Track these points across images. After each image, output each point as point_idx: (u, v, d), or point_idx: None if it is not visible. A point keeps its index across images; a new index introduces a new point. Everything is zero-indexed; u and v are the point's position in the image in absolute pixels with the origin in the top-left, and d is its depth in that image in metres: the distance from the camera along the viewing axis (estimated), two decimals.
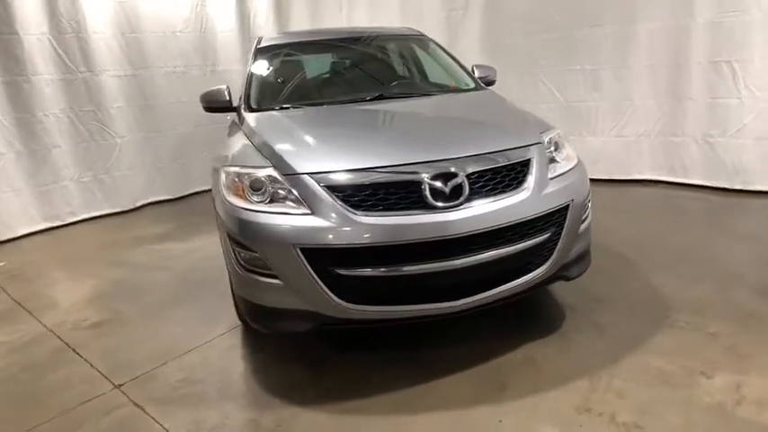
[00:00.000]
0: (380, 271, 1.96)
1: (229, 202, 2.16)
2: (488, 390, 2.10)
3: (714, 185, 4.41)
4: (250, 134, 2.53)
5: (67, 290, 3.61)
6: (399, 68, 3.54)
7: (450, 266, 1.97)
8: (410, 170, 2.02)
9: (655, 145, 4.68)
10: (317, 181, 2.03)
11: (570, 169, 2.30)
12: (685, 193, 4.51)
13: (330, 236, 1.94)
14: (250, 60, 3.36)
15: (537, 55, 5.13)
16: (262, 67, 3.33)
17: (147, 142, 5.62)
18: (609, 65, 4.75)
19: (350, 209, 1.96)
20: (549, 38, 5.02)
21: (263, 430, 1.99)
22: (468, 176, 2.02)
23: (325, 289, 1.97)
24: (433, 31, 4.66)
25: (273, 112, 2.80)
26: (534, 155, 2.22)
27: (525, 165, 2.18)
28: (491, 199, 2.05)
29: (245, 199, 2.14)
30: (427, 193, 1.98)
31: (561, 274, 2.27)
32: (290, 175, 2.09)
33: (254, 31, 6.45)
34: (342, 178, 2.03)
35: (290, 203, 2.04)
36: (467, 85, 3.20)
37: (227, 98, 3.09)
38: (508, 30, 5.24)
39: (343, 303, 1.99)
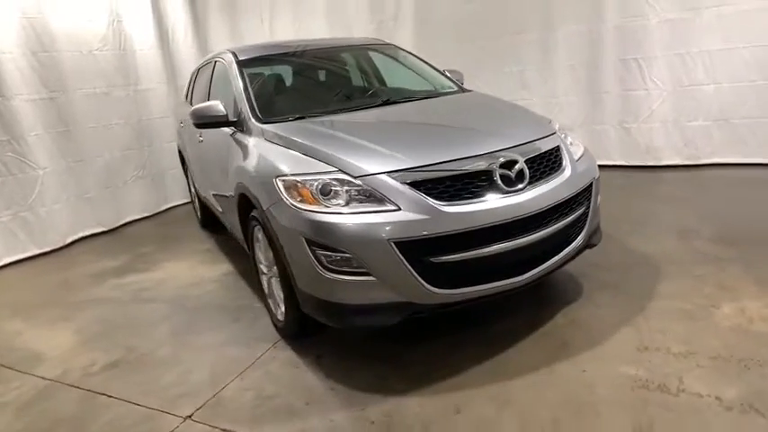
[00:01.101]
0: (465, 255, 2.15)
1: (303, 209, 2.20)
2: (555, 350, 2.40)
3: (632, 164, 5.23)
4: (287, 143, 2.56)
5: (43, 338, 3.23)
6: (387, 75, 3.73)
7: (519, 244, 2.24)
8: (479, 161, 2.25)
9: (580, 134, 5.38)
10: (396, 179, 2.17)
11: (584, 152, 2.70)
12: (610, 172, 5.25)
13: (422, 228, 2.09)
14: (236, 74, 3.32)
15: (469, 60, 5.60)
16: (255, 80, 3.32)
17: (71, 172, 5.12)
18: (534, 66, 5.39)
19: (434, 201, 2.14)
20: (479, 44, 5.54)
21: (377, 424, 2.07)
22: (525, 162, 2.31)
23: (419, 278, 2.11)
24: None
25: (300, 122, 2.85)
26: (559, 142, 2.58)
27: (557, 150, 2.53)
28: (543, 181, 2.35)
29: (319, 204, 2.20)
30: (498, 179, 2.23)
31: (589, 242, 2.64)
32: (365, 176, 2.20)
33: (174, 47, 6.19)
34: (421, 174, 2.19)
35: (374, 202, 2.15)
36: (451, 87, 3.50)
37: (224, 112, 3.05)
38: (440, 37, 5.68)
39: (434, 290, 2.15)
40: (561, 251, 2.44)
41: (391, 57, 3.87)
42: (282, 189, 2.31)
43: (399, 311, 2.20)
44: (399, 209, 2.12)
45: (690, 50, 4.73)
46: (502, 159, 2.27)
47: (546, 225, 2.31)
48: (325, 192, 2.22)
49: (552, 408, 2.03)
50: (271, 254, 2.70)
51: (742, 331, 2.35)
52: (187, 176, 5.36)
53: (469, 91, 3.45)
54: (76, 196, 5.16)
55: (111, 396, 2.50)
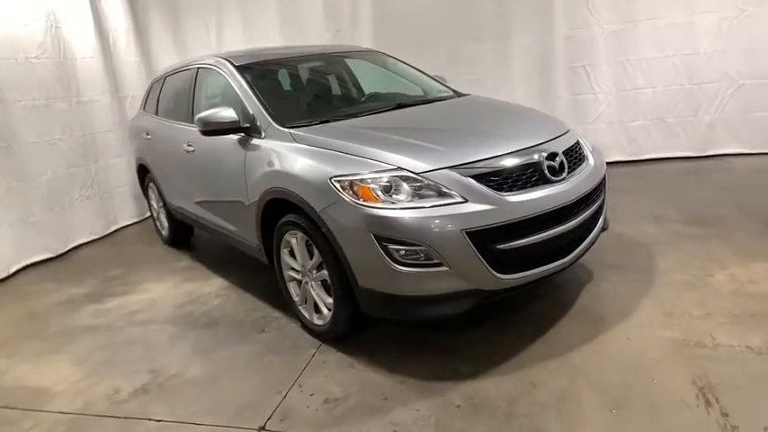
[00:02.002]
0: (525, 241, 2.34)
1: (370, 207, 2.27)
2: (594, 323, 2.66)
3: None
4: (327, 145, 2.60)
5: (36, 374, 2.94)
6: (384, 81, 3.86)
7: (566, 228, 2.47)
8: (527, 154, 2.46)
9: None
10: (459, 173, 2.32)
11: (593, 147, 3.02)
12: None
13: (490, 217, 2.25)
14: (239, 80, 3.28)
15: (428, 69, 5.88)
16: (263, 86, 3.30)
17: (11, 194, 4.65)
18: (492, 74, 5.79)
19: (496, 192, 2.31)
20: (437, 53, 5.84)
21: (463, 407, 2.18)
22: (562, 155, 2.57)
23: (487, 265, 2.27)
24: None
25: (329, 125, 2.89)
26: (577, 137, 2.88)
27: (578, 144, 2.82)
28: (577, 171, 2.62)
29: (383, 201, 2.29)
30: (546, 170, 2.46)
31: (604, 226, 2.96)
32: (428, 172, 2.32)
33: (116, 56, 5.84)
34: (479, 168, 2.36)
35: (441, 196, 2.27)
36: (447, 91, 3.71)
37: (237, 119, 3.02)
38: (398, 46, 5.83)
39: (500, 275, 2.31)
40: (591, 233, 2.72)
41: (381, 64, 4.01)
42: (341, 189, 2.36)
43: (468, 299, 2.33)
44: (466, 201, 2.26)
45: (629, 58, 5.37)
46: (545, 153, 2.50)
47: (582, 210, 2.58)
48: (388, 189, 2.31)
49: (617, 372, 2.27)
50: (309, 258, 2.73)
51: (741, 293, 2.77)
52: (147, 192, 5.08)
53: (467, 95, 3.68)
54: (20, 220, 4.69)
55: (160, 420, 2.37)
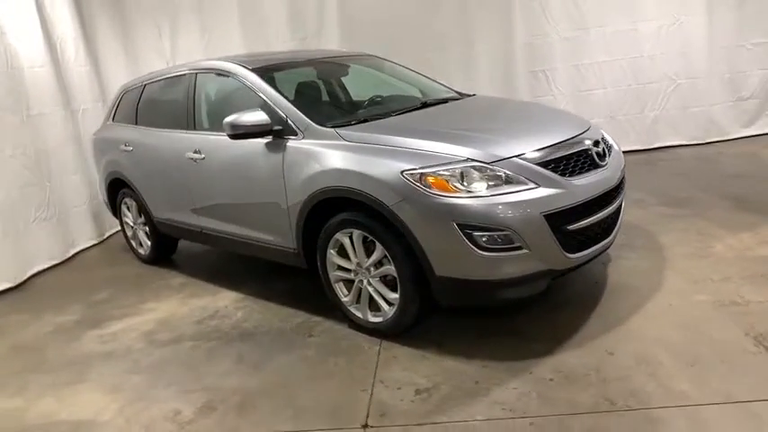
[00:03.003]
0: (586, 222, 2.53)
1: (451, 197, 2.34)
2: (632, 296, 2.90)
3: None
4: (383, 142, 2.63)
5: (70, 407, 2.65)
6: (398, 83, 3.92)
7: (611, 209, 2.70)
8: (576, 141, 2.66)
9: None
10: (527, 161, 2.46)
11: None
12: None
13: (562, 200, 2.40)
14: (261, 84, 3.21)
15: None
16: (286, 88, 3.25)
17: None
18: (458, 79, 6.03)
19: (561, 176, 2.48)
20: (404, 59, 5.97)
21: (556, 380, 2.29)
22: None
23: (559, 245, 2.43)
24: None
25: (374, 123, 2.92)
26: (599, 128, 3.14)
27: (603, 134, 3.08)
28: (611, 158, 2.86)
29: (460, 190, 2.37)
30: (595, 156, 2.67)
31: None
32: (499, 161, 2.44)
33: (65, 65, 5.37)
34: (545, 155, 2.51)
35: (515, 183, 2.39)
36: (451, 92, 3.86)
37: (270, 122, 2.97)
38: (366, 52, 6.00)
39: (568, 255, 2.47)
40: (620, 216, 2.98)
41: (381, 68, 4.07)
42: (415, 182, 2.41)
43: (543, 279, 2.47)
44: (539, 186, 2.41)
45: (583, 62, 5.88)
46: (589, 141, 2.72)
47: (619, 194, 2.83)
48: (462, 179, 2.40)
49: (677, 333, 2.51)
50: (366, 256, 2.73)
51: (744, 258, 3.16)
52: (119, 209, 4.72)
53: (474, 95, 3.84)
54: None
55: None
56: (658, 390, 2.15)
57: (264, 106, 3.09)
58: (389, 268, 2.65)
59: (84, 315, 3.75)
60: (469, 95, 3.77)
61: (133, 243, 4.72)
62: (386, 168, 2.52)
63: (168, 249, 4.57)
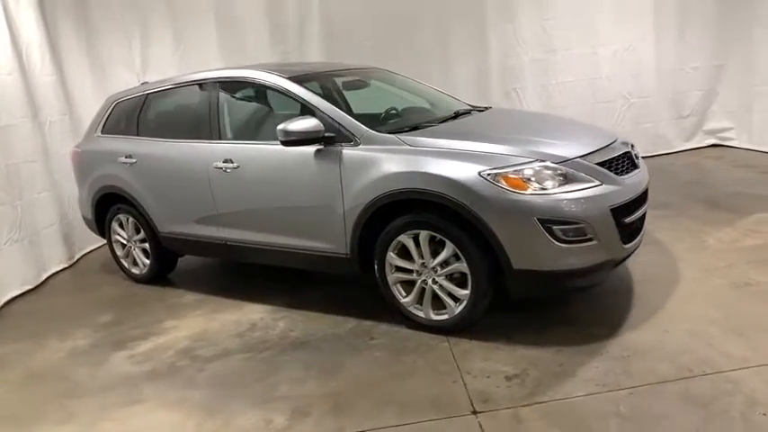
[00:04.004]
0: (634, 215, 2.86)
1: (531, 194, 2.57)
2: (657, 284, 3.27)
3: None
4: (451, 146, 2.81)
5: (140, 429, 2.54)
6: (421, 94, 4.13)
7: (646, 206, 3.08)
8: (616, 146, 3.01)
9: None
10: (588, 161, 2.76)
11: None
12: None
13: (621, 195, 2.71)
14: (305, 92, 3.30)
15: None
16: (328, 96, 3.36)
17: None
18: None
19: (617, 175, 2.80)
20: None
21: (630, 356, 2.56)
22: None
23: (619, 236, 2.74)
24: None
25: (430, 128, 3.12)
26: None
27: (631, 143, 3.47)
28: (640, 161, 3.24)
29: (536, 188, 2.61)
30: (634, 158, 3.03)
31: None
32: (565, 161, 2.71)
33: (31, 73, 5.02)
34: (601, 156, 2.82)
35: (581, 181, 2.66)
36: (463, 104, 4.15)
37: (322, 128, 3.07)
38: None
39: (624, 245, 2.79)
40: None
41: (392, 81, 4.27)
42: (493, 182, 2.63)
43: (606, 268, 2.76)
44: (602, 183, 2.71)
45: (550, 82, 6.45)
46: (625, 145, 3.09)
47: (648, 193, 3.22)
48: (535, 178, 2.65)
49: (714, 309, 2.89)
50: (436, 254, 2.87)
51: (736, 249, 3.68)
52: (108, 227, 4.47)
53: (490, 107, 4.13)
54: None
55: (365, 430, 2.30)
56: (722, 357, 2.48)
57: (313, 114, 3.17)
58: (459, 266, 2.82)
59: (97, 338, 3.53)
60: (487, 107, 4.06)
61: (125, 262, 4.48)
62: (462, 170, 2.71)
63: (169, 267, 4.40)
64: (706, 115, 6.67)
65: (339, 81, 3.88)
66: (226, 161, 3.50)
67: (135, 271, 4.43)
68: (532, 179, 2.63)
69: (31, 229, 4.71)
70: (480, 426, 2.24)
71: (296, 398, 2.60)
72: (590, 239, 2.62)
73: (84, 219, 4.73)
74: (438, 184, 2.74)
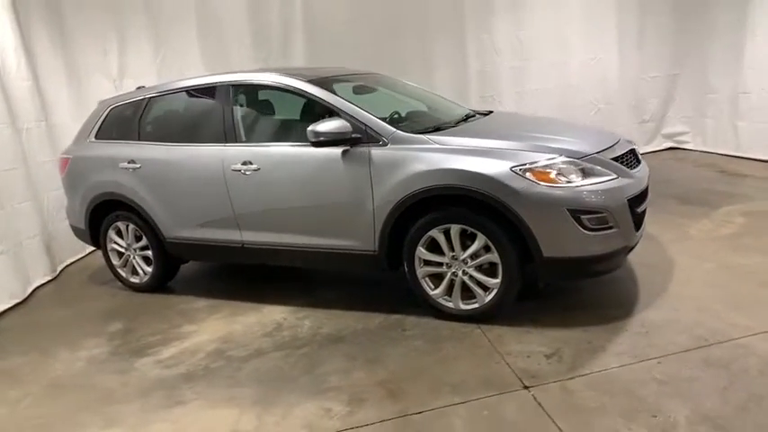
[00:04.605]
0: (643, 206, 3.21)
1: (560, 187, 2.85)
2: (657, 270, 3.65)
3: None
4: (480, 145, 3.05)
5: (193, 427, 2.59)
6: (421, 98, 4.35)
7: (649, 198, 3.45)
8: (622, 144, 3.36)
9: None
10: (603, 156, 3.08)
11: None
12: None
13: (635, 187, 3.04)
14: (325, 94, 3.46)
15: None
16: (353, 98, 3.54)
17: None
18: None
19: (629, 169, 3.14)
20: None
21: (650, 331, 2.87)
22: None
23: (633, 225, 3.07)
24: None
25: (454, 128, 3.37)
26: None
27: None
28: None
29: (562, 181, 2.90)
30: (638, 155, 3.39)
31: None
32: (585, 157, 3.01)
33: (6, 76, 4.87)
34: (613, 152, 3.15)
35: (600, 174, 2.97)
36: (463, 107, 4.43)
37: (351, 129, 3.25)
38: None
39: (635, 233, 3.13)
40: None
41: (394, 86, 4.50)
42: (525, 176, 2.89)
43: (623, 254, 3.08)
44: (618, 176, 3.03)
45: (525, 89, 6.90)
46: (628, 143, 3.45)
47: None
48: (562, 172, 2.94)
49: (712, 289, 3.27)
50: (465, 247, 3.10)
51: (716, 237, 4.14)
52: (102, 236, 4.40)
53: (492, 111, 4.41)
54: None
55: (420, 412, 2.47)
56: (729, 326, 2.85)
57: (339, 116, 3.33)
58: (490, 257, 3.06)
59: (113, 347, 3.51)
60: (490, 111, 4.34)
61: (122, 272, 4.43)
62: (494, 166, 2.95)
63: (171, 274, 4.39)
64: (664, 120, 7.32)
65: (349, 86, 4.06)
66: (245, 163, 3.59)
67: (134, 280, 4.38)
68: (559, 173, 2.92)
69: (14, 240, 4.56)
70: (535, 398, 2.46)
71: (348, 387, 2.73)
72: (611, 227, 2.93)
73: (74, 228, 4.63)
74: (472, 180, 2.97)
